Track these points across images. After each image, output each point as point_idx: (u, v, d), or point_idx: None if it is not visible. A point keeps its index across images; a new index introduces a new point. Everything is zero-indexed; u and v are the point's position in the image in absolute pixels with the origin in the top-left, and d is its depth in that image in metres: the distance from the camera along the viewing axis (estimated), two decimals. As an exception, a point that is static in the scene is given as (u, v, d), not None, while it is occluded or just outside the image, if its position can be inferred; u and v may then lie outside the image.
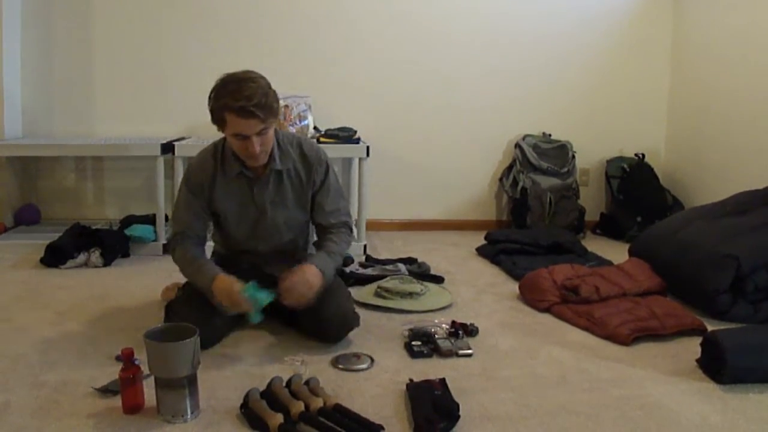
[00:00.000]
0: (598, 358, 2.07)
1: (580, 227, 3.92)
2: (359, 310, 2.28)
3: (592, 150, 4.14)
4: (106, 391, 1.74)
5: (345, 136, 3.50)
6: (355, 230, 3.59)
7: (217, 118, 1.97)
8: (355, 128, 3.61)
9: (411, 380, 1.79)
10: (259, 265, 2.26)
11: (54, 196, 3.89)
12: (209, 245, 2.39)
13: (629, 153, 4.14)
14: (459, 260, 3.33)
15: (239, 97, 1.88)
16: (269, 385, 1.72)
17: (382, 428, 1.55)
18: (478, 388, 1.84)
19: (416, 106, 4.00)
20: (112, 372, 1.79)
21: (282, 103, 3.75)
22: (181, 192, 2.20)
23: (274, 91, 1.99)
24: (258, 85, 1.92)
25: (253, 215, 2.18)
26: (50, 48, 3.75)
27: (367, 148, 3.41)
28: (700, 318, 2.36)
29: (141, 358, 1.67)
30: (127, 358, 1.64)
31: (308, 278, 1.97)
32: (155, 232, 3.36)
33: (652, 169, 4.04)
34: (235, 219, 2.20)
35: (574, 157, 3.97)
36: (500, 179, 4.09)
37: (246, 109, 1.88)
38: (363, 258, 3.26)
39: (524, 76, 4.04)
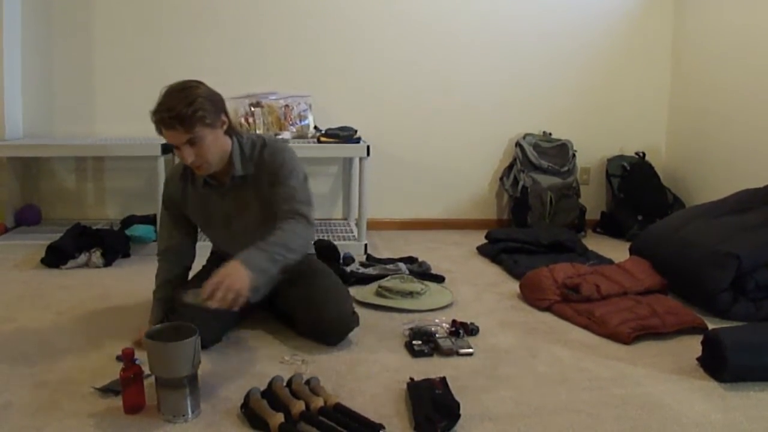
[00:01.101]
0: (599, 357, 2.08)
1: (580, 226, 3.92)
2: (359, 310, 2.29)
3: (593, 149, 4.14)
4: (107, 390, 1.75)
5: (345, 135, 3.50)
6: (355, 229, 3.61)
7: (156, 129, 1.93)
8: (355, 128, 3.61)
9: (412, 379, 1.79)
10: None
11: (55, 196, 3.89)
12: (207, 245, 2.40)
13: (630, 151, 4.14)
14: (459, 259, 3.33)
15: (161, 108, 1.87)
16: (270, 384, 1.72)
17: (383, 427, 1.55)
18: (478, 387, 1.84)
19: (417, 106, 4.00)
20: (113, 372, 1.79)
21: (282, 102, 3.77)
22: (161, 208, 2.23)
23: (214, 99, 1.93)
24: (184, 95, 1.86)
25: (222, 223, 2.16)
26: (51, 48, 3.75)
27: (368, 147, 3.41)
28: (701, 316, 2.36)
29: (141, 357, 1.67)
30: (127, 358, 1.64)
31: (227, 279, 1.73)
32: (156, 232, 3.36)
33: (652, 168, 4.04)
34: (208, 227, 2.21)
35: (574, 155, 3.97)
36: (501, 178, 4.09)
37: (165, 120, 1.86)
38: (364, 257, 3.27)
39: (525, 75, 4.04)
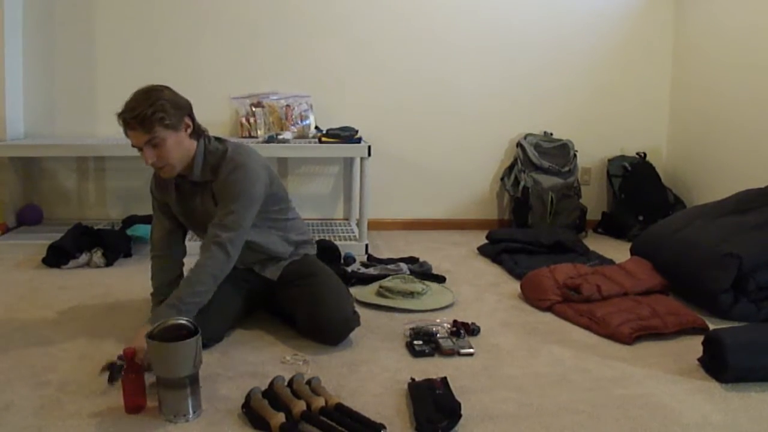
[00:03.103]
0: (600, 357, 2.08)
1: (581, 226, 3.92)
2: (360, 310, 2.29)
3: (594, 149, 4.14)
4: (110, 372, 1.75)
5: (347, 135, 3.50)
6: (356, 230, 3.62)
7: (123, 131, 1.97)
8: (356, 128, 3.61)
9: (413, 379, 1.79)
10: (249, 267, 2.26)
11: (56, 196, 3.90)
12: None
13: (631, 152, 4.14)
14: (460, 259, 3.33)
15: (124, 109, 1.91)
16: (271, 384, 1.72)
17: (384, 427, 1.55)
18: (479, 388, 1.84)
19: (418, 106, 4.00)
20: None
21: (283, 102, 3.78)
22: (152, 199, 2.25)
23: (177, 103, 1.95)
24: (146, 97, 1.90)
25: (197, 221, 2.16)
26: (52, 48, 3.75)
27: (369, 147, 3.41)
28: (702, 317, 2.36)
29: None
30: (129, 358, 1.64)
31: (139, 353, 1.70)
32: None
33: (653, 168, 4.04)
34: (189, 222, 2.21)
35: (575, 156, 3.97)
36: (502, 178, 4.09)
37: (126, 120, 1.90)
38: (365, 257, 3.27)
39: (526, 76, 4.04)
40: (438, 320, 2.35)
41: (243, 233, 2.04)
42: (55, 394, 1.74)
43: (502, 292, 2.78)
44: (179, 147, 1.98)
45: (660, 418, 1.67)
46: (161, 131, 1.91)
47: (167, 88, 1.98)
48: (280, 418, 1.54)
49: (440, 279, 2.89)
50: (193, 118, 2.03)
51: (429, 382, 1.76)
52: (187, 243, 2.33)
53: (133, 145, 1.96)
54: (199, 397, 1.66)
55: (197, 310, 1.94)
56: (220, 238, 1.98)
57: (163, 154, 1.95)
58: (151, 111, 1.88)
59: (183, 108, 1.98)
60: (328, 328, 2.10)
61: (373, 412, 1.64)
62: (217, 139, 2.14)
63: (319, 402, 1.62)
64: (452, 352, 2.06)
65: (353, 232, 3.68)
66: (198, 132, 2.06)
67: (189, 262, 2.28)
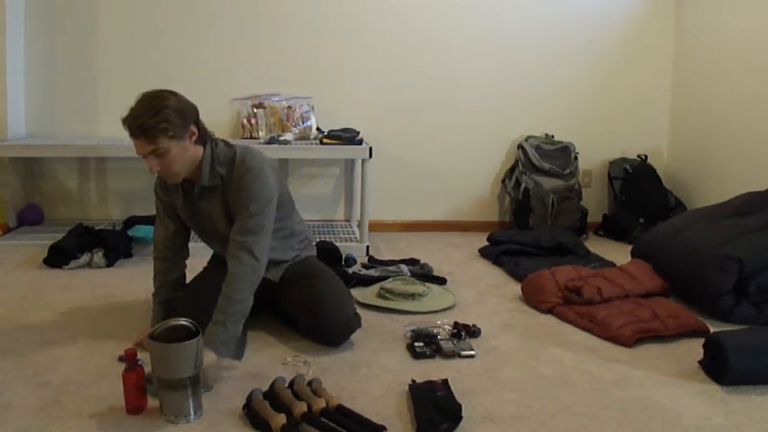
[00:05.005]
0: (601, 360, 2.08)
1: (582, 228, 3.92)
2: (361, 311, 2.29)
3: (595, 151, 4.14)
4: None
5: (348, 137, 3.50)
6: (357, 231, 3.62)
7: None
8: (358, 129, 3.61)
9: (413, 381, 1.79)
10: None
11: (57, 196, 3.90)
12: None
13: (632, 154, 4.14)
14: (461, 261, 3.33)
15: (129, 115, 1.87)
16: (272, 385, 1.72)
17: (385, 429, 1.55)
18: (480, 389, 1.84)
19: (419, 107, 4.00)
20: (116, 372, 1.79)
21: (285, 103, 3.78)
22: (155, 200, 2.22)
23: (182, 111, 1.90)
24: (150, 106, 1.85)
25: (203, 226, 2.16)
26: (53, 48, 3.76)
27: (370, 149, 3.41)
28: (703, 319, 2.36)
29: (144, 358, 1.68)
30: (130, 359, 1.64)
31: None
32: (158, 232, 3.36)
33: (654, 171, 4.04)
34: (194, 226, 2.20)
35: (576, 158, 3.97)
36: (503, 180, 4.09)
37: (131, 128, 1.86)
38: (365, 259, 3.27)
39: (527, 77, 4.04)
40: (439, 322, 2.35)
41: (267, 235, 2.02)
42: (56, 395, 1.74)
43: (502, 294, 2.78)
44: (183, 156, 1.94)
45: (660, 421, 1.67)
46: (165, 142, 1.86)
47: (174, 94, 1.92)
48: (281, 419, 1.54)
49: (441, 281, 2.89)
50: (199, 125, 1.98)
51: (430, 384, 1.76)
52: (190, 245, 2.30)
53: (137, 152, 1.93)
54: (200, 398, 1.66)
55: (243, 321, 1.94)
56: (246, 243, 1.97)
57: (167, 163, 1.91)
58: (154, 122, 1.83)
59: (188, 116, 1.93)
60: (329, 330, 2.10)
61: (373, 414, 1.64)
62: (225, 142, 2.11)
63: (320, 403, 1.62)
64: (453, 354, 2.06)
65: (354, 234, 3.68)
66: (204, 137, 2.02)
67: (192, 264, 2.30)
